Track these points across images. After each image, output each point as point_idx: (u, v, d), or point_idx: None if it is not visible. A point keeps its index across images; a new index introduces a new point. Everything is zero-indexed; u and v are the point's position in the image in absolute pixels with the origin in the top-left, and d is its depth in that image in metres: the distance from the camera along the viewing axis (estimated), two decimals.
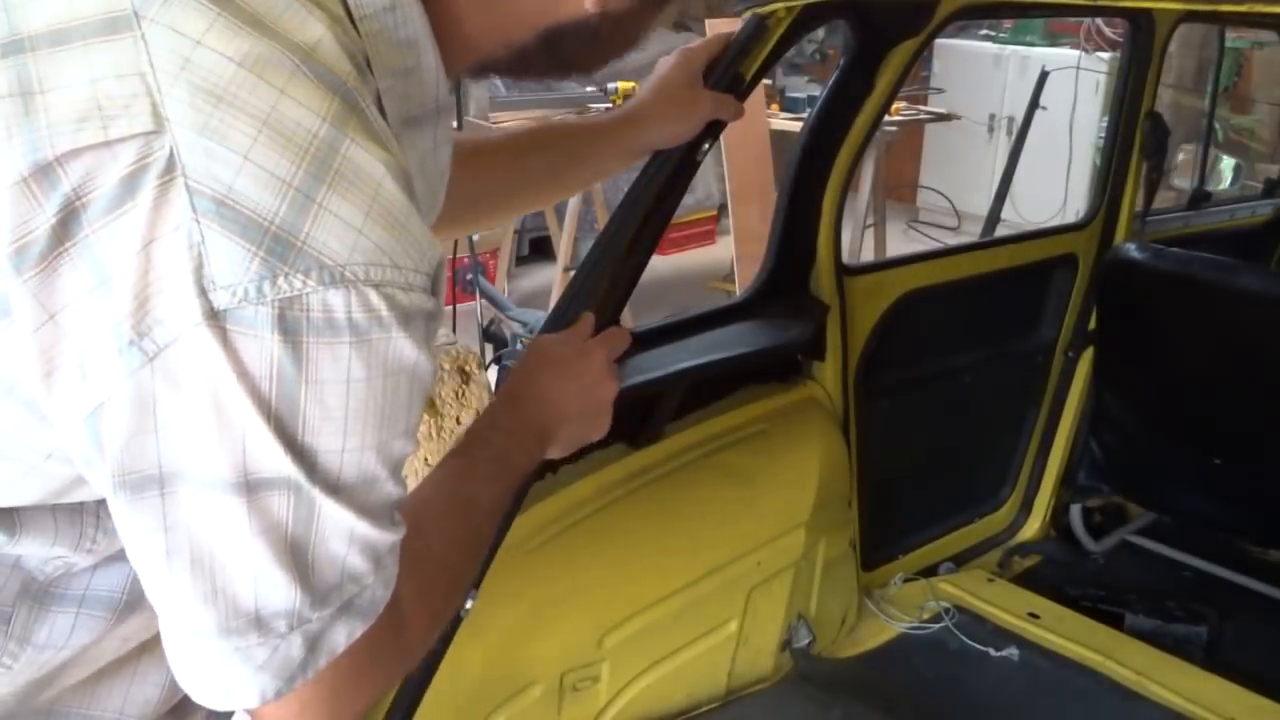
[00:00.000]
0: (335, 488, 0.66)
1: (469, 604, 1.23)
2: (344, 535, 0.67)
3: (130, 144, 0.59)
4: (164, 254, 0.59)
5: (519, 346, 3.20)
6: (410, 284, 0.64)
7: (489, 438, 1.01)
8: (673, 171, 1.38)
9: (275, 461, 0.63)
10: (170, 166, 0.59)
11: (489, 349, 3.35)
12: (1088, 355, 2.55)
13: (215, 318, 0.59)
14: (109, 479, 0.63)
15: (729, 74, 1.39)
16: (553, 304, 1.49)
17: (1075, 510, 2.63)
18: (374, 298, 0.62)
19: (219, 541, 0.64)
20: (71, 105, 0.60)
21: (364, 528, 0.68)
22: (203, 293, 0.59)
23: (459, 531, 0.91)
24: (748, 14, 1.54)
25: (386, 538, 0.70)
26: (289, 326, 0.60)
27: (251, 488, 0.63)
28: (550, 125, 1.26)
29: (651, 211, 1.39)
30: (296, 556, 0.66)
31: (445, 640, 1.25)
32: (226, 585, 0.65)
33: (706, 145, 1.40)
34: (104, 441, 0.62)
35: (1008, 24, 6.81)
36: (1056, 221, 4.38)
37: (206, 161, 0.58)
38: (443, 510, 0.90)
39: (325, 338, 0.61)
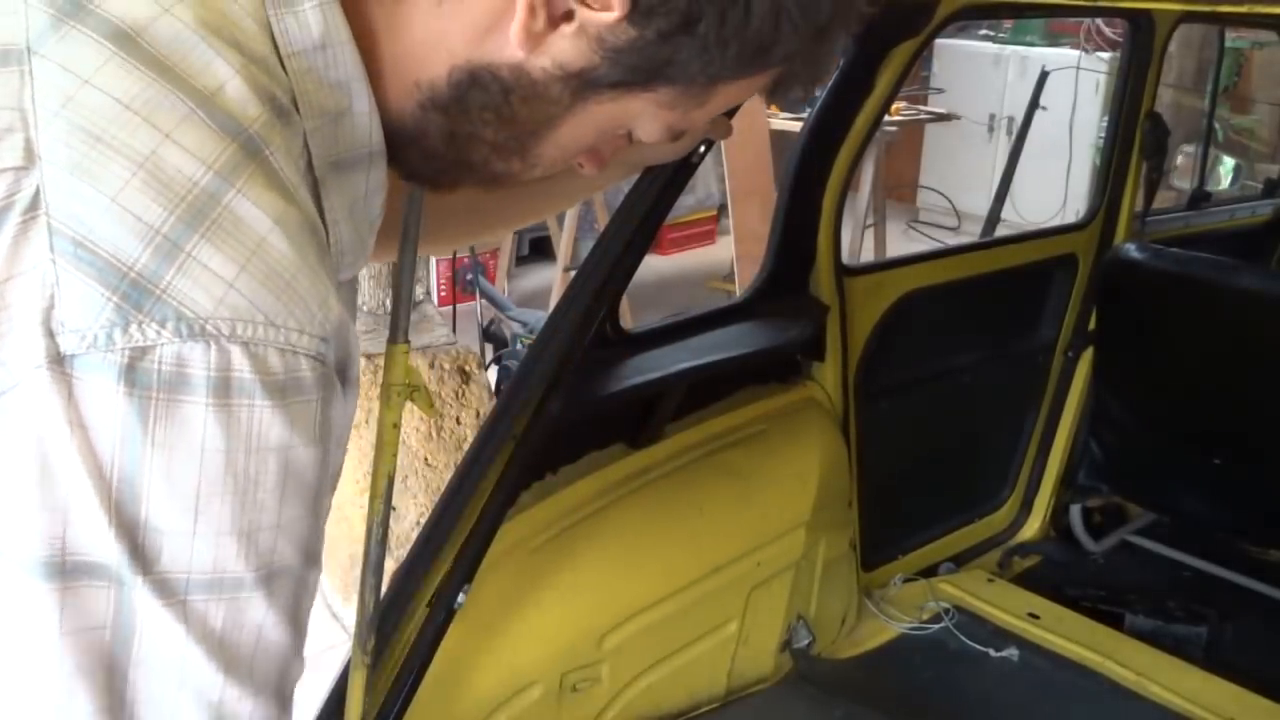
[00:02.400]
0: (171, 589, 0.55)
1: (461, 598, 1.23)
2: (173, 670, 0.56)
3: None
4: (16, 293, 0.55)
5: (519, 346, 3.21)
6: (291, 345, 0.57)
7: None
8: (671, 173, 1.38)
9: (98, 541, 0.54)
10: (34, 204, 0.55)
11: (489, 349, 3.35)
12: (1088, 355, 2.55)
13: (59, 362, 0.54)
14: None
15: None
16: (553, 304, 1.49)
17: (1075, 510, 2.63)
18: (237, 355, 0.55)
19: (14, 642, 0.55)
20: None
21: (203, 669, 0.56)
22: (50, 334, 0.54)
23: None
24: None
25: (242, 703, 0.58)
26: (138, 379, 0.54)
27: (67, 572, 0.54)
28: None
29: (650, 212, 1.40)
30: (111, 685, 0.55)
31: (438, 633, 1.25)
32: (17, 700, 0.55)
33: (702, 149, 1.40)
34: None
35: (1008, 24, 6.81)
36: (1056, 221, 4.38)
37: (72, 202, 0.55)
38: None
39: (179, 394, 0.55)
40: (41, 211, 0.55)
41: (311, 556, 0.62)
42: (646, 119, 0.72)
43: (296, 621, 0.61)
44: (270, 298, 0.57)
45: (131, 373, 0.54)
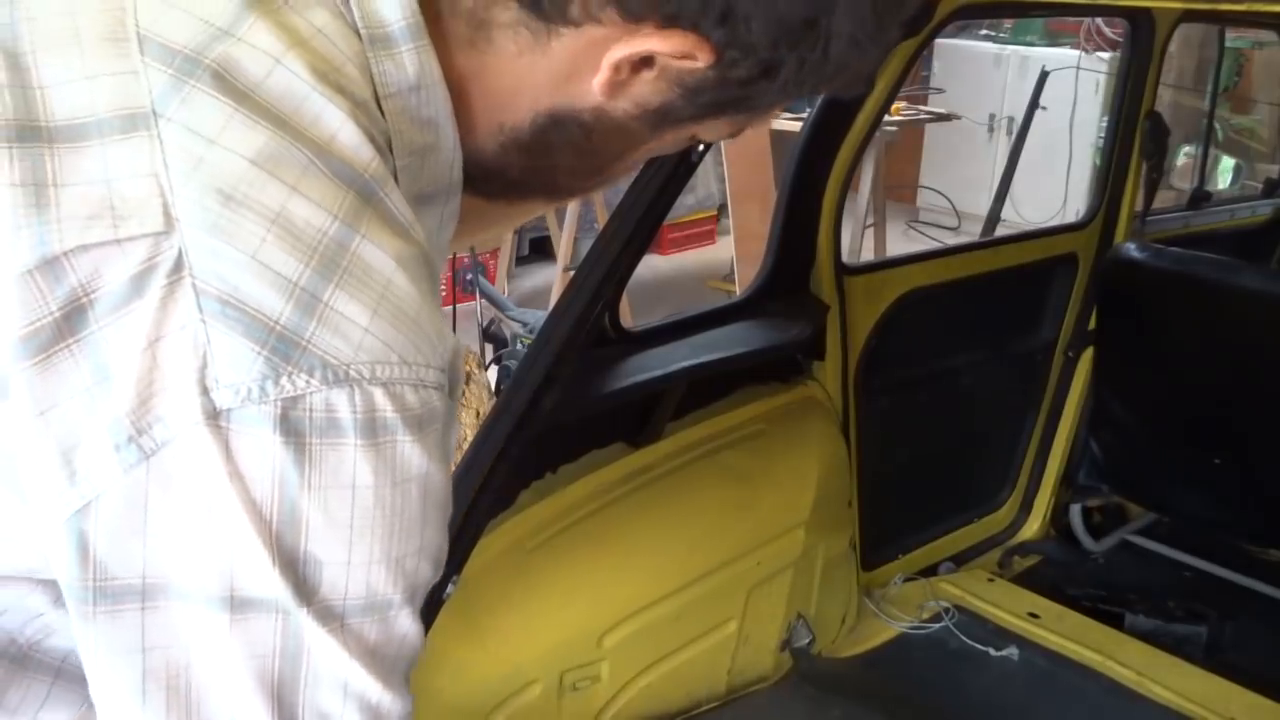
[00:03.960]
0: (332, 614, 0.60)
1: (450, 589, 1.23)
2: (338, 684, 0.61)
3: (140, 243, 0.58)
4: (168, 353, 0.58)
5: (519, 346, 3.21)
6: (421, 380, 0.61)
7: None
8: (670, 173, 1.38)
9: (264, 578, 0.59)
10: (178, 266, 0.58)
11: (489, 349, 3.35)
12: (1088, 355, 2.55)
13: (216, 417, 0.57)
14: (86, 588, 0.59)
15: None
16: (553, 304, 1.49)
17: (1075, 510, 2.63)
18: (379, 396, 0.59)
19: (200, 667, 0.60)
20: (85, 201, 0.60)
21: (364, 679, 0.61)
22: (205, 391, 0.57)
23: None
24: None
25: (394, 703, 0.64)
26: (292, 427, 0.58)
27: (237, 605, 0.59)
28: None
29: (650, 212, 1.40)
30: (282, 700, 0.60)
31: (426, 623, 1.25)
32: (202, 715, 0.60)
33: (701, 147, 1.41)
34: (87, 543, 0.59)
35: (1008, 24, 6.81)
36: (1056, 221, 4.38)
37: (214, 261, 0.58)
38: None
39: (330, 438, 0.59)
40: (185, 273, 0.58)
41: (441, 565, 0.67)
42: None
43: (420, 618, 0.66)
44: (401, 337, 0.60)
45: (285, 422, 0.58)
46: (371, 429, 0.59)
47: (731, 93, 0.68)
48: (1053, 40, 6.63)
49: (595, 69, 0.67)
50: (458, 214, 0.75)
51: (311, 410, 0.58)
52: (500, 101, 0.71)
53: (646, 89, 0.68)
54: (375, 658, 0.62)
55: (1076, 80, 5.73)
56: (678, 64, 0.66)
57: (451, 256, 4.89)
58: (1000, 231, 3.94)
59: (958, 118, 5.86)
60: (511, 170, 0.74)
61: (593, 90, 0.68)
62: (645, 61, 0.66)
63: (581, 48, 0.66)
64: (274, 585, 0.59)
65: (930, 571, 2.41)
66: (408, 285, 0.61)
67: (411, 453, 0.61)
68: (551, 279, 5.14)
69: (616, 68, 0.66)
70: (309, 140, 0.61)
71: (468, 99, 0.70)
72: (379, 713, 0.63)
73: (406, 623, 0.64)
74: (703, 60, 0.65)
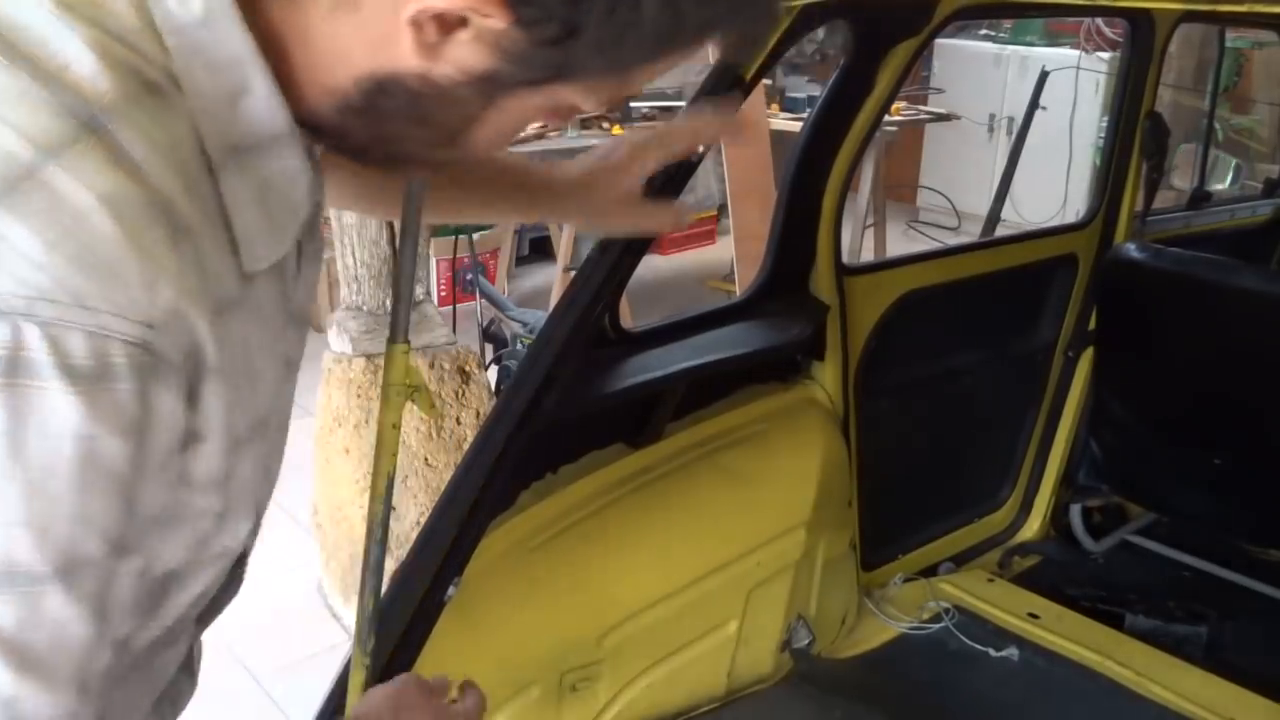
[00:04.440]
0: None
1: (451, 590, 1.23)
2: None
3: None
4: None
5: (519, 346, 3.21)
6: (102, 328, 0.55)
7: None
8: (670, 173, 1.38)
9: None
10: None
11: (489, 349, 3.35)
12: (1088, 355, 2.55)
13: None
14: None
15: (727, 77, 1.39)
16: (552, 304, 1.49)
17: (1075, 510, 2.63)
18: (31, 334, 0.54)
19: None
20: None
21: None
22: None
23: None
24: None
25: (46, 706, 0.57)
26: None
27: None
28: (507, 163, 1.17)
29: None
30: None
31: (428, 625, 1.25)
32: None
33: (701, 149, 1.41)
34: None
35: (1008, 24, 6.81)
36: (1056, 221, 4.38)
37: None
38: None
39: None
40: None
41: (122, 547, 0.59)
42: (578, 98, 0.71)
43: (103, 612, 0.59)
44: (81, 278, 0.55)
45: None
46: (14, 368, 0.53)
47: (551, 56, 0.66)
48: (1053, 40, 6.63)
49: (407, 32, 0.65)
50: (307, 170, 0.71)
51: None
52: (322, 64, 0.69)
53: (465, 52, 0.66)
54: (15, 643, 0.55)
55: (1076, 80, 5.73)
56: (487, 24, 0.63)
57: (452, 257, 4.89)
58: (1000, 231, 3.94)
59: (958, 118, 5.86)
60: (355, 135, 0.72)
61: (409, 53, 0.66)
62: (459, 22, 0.64)
63: (386, 6, 0.64)
64: None
65: (930, 572, 2.41)
66: (110, 226, 0.56)
67: (63, 405, 0.55)
68: (551, 279, 5.13)
69: (418, 25, 0.64)
70: (35, 68, 0.58)
71: (289, 56, 0.68)
72: (16, 710, 0.56)
73: (63, 609, 0.56)
74: (500, 19, 0.63)
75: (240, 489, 0.71)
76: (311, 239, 0.79)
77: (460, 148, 0.74)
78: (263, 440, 0.73)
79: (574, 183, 1.10)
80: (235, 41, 0.65)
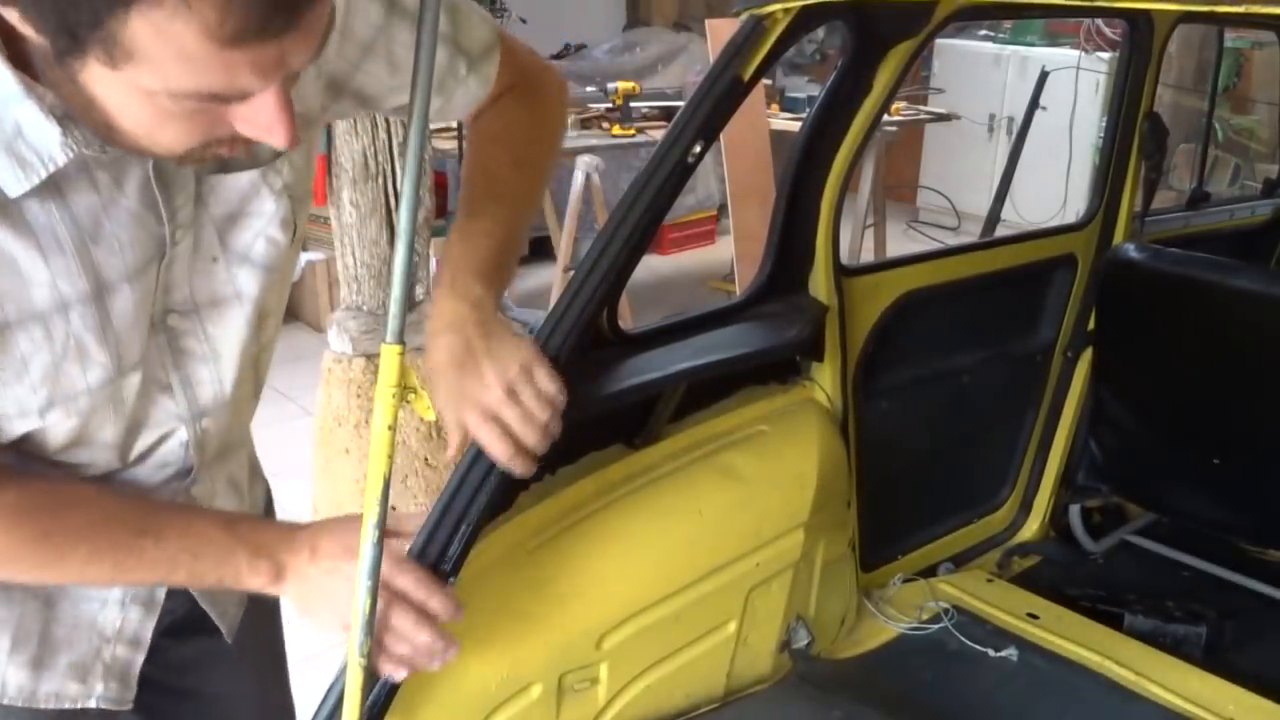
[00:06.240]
0: None
1: (449, 584, 1.24)
2: None
3: None
4: None
5: None
6: None
7: (244, 532, 1.11)
8: (669, 172, 1.38)
9: None
10: None
11: None
12: (1087, 355, 2.55)
13: None
14: None
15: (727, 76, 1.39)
16: (552, 303, 1.49)
17: (1074, 510, 2.63)
18: None
19: None
20: None
21: None
22: None
23: (103, 540, 1.05)
24: (746, 15, 1.54)
25: None
26: None
27: None
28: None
29: (649, 212, 1.40)
30: None
31: None
32: None
33: (698, 148, 1.41)
34: None
35: (1008, 24, 6.81)
36: (1056, 221, 4.38)
37: None
38: (112, 513, 1.06)
39: None
40: None
41: None
42: (117, 94, 0.83)
43: None
44: None
45: None
46: None
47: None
48: (1053, 40, 6.63)
49: None
50: (54, 125, 0.88)
51: None
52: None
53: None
54: None
55: (1076, 80, 5.74)
56: None
57: None
58: (1000, 231, 3.95)
59: (958, 118, 5.87)
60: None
61: None
62: None
63: None
64: None
65: (929, 572, 2.41)
66: None
67: None
68: (551, 279, 5.14)
69: None
70: None
71: (17, 38, 0.83)
72: None
73: None
74: None
75: (16, 361, 0.96)
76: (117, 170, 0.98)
77: (120, 138, 0.88)
78: (55, 325, 0.96)
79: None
80: None
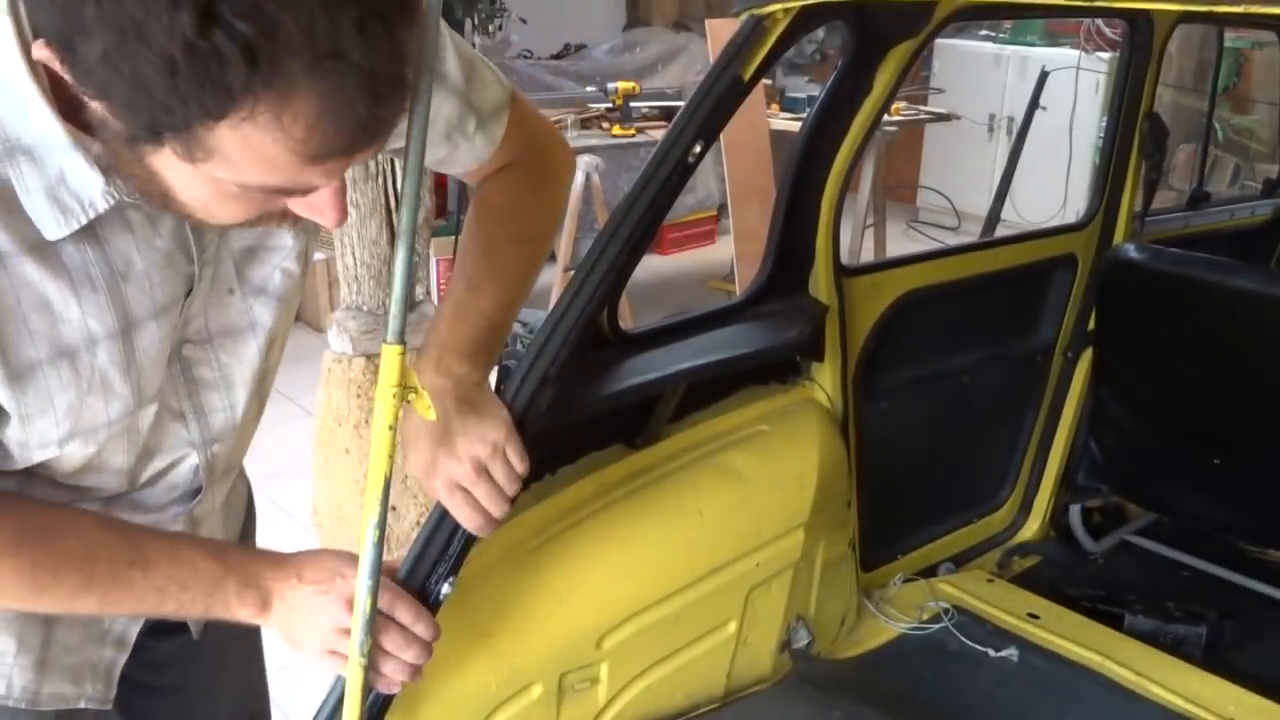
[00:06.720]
0: None
1: (446, 588, 1.25)
2: None
3: None
4: None
5: (519, 346, 3.21)
6: None
7: (234, 562, 1.12)
8: (669, 172, 1.38)
9: None
10: None
11: None
12: (1087, 356, 2.55)
13: None
14: None
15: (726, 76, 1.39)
16: (552, 304, 1.49)
17: (1075, 510, 2.63)
18: None
19: None
20: None
21: None
22: None
23: (94, 570, 1.04)
24: (746, 15, 1.55)
25: None
26: None
27: None
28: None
29: (649, 212, 1.40)
30: None
31: None
32: None
33: (698, 148, 1.41)
34: None
35: (1008, 24, 6.81)
36: (1056, 221, 4.38)
37: None
38: (102, 544, 1.05)
39: None
40: None
41: None
42: (184, 176, 0.84)
43: None
44: None
45: None
46: None
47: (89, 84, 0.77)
48: (1053, 40, 6.63)
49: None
50: (97, 173, 0.90)
51: None
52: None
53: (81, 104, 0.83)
54: None
55: (1076, 80, 5.73)
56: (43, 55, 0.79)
57: (452, 257, 4.89)
58: (1000, 231, 3.95)
59: (958, 118, 5.87)
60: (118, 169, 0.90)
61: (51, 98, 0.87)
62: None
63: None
64: None
65: (930, 572, 2.41)
66: None
67: None
68: (551, 279, 5.13)
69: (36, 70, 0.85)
70: None
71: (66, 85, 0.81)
72: None
73: None
74: (48, 51, 0.78)
75: (43, 397, 0.96)
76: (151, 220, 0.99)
77: (176, 207, 0.89)
78: (81, 361, 0.97)
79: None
80: (10, 68, 0.85)
